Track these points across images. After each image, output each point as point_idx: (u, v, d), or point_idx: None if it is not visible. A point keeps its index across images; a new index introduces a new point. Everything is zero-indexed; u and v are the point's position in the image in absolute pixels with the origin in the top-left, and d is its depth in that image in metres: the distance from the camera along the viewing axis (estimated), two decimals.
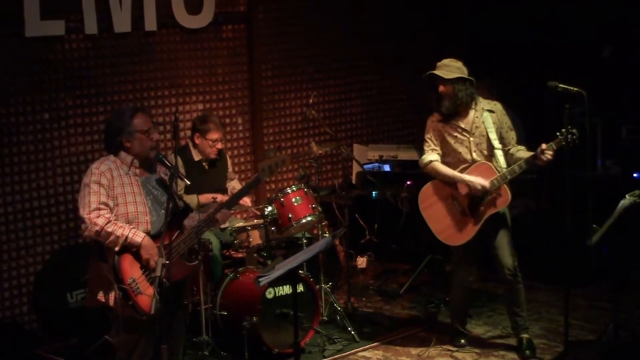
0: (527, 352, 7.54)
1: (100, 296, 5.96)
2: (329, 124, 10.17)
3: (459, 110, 7.50)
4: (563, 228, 6.96)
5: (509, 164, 7.40)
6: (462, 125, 7.51)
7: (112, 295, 5.94)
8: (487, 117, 7.50)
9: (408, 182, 9.53)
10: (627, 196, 7.22)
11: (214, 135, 8.32)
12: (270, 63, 9.95)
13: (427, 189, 7.59)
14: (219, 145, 8.39)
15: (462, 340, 7.84)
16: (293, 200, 8.12)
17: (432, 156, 7.54)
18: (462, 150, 7.50)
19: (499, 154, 7.46)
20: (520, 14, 11.08)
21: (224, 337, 7.79)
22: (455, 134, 7.51)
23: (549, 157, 7.16)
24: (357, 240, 9.74)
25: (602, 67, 10.51)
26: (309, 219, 8.15)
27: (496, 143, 7.47)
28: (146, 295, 5.89)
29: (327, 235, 8.33)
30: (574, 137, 7.11)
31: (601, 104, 9.37)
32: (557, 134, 7.17)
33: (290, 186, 8.30)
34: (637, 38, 10.40)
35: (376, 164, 10.28)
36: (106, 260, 5.93)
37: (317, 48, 10.33)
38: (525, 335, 7.63)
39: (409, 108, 11.23)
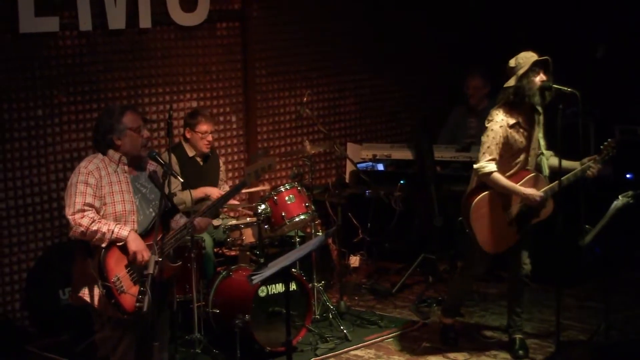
0: (521, 352, 7.54)
1: (84, 294, 5.96)
2: (322, 122, 10.17)
3: (530, 110, 7.29)
4: (555, 228, 6.97)
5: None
6: (529, 129, 7.29)
7: (95, 294, 5.93)
8: (538, 120, 7.38)
9: (401, 182, 9.54)
10: (619, 197, 7.24)
11: (203, 127, 8.34)
12: (265, 61, 9.95)
13: (482, 201, 7.25)
14: (210, 138, 8.40)
15: (454, 340, 7.85)
16: (286, 198, 8.12)
17: (492, 166, 7.16)
18: (522, 155, 7.30)
19: (544, 160, 7.37)
20: (514, 14, 11.09)
21: (216, 335, 7.79)
22: (522, 139, 7.26)
23: (595, 172, 7.20)
24: (350, 239, 9.74)
25: (595, 67, 10.52)
26: (302, 217, 8.15)
27: (543, 148, 7.38)
28: (129, 295, 5.88)
29: (320, 233, 8.33)
30: (615, 150, 7.19)
31: (594, 105, 9.38)
32: (601, 147, 7.19)
33: (283, 184, 8.30)
34: (631, 38, 10.41)
35: (370, 163, 10.29)
36: (92, 257, 5.92)
37: (311, 46, 10.33)
38: (519, 336, 7.63)
39: (402, 107, 11.24)
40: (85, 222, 5.85)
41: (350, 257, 9.90)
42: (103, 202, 5.95)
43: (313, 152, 8.64)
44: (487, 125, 7.27)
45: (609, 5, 10.46)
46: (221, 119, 9.62)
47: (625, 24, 10.47)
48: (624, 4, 10.34)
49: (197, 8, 9.21)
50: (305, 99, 9.02)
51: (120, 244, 5.91)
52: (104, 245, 5.88)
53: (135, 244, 5.92)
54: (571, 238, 7.13)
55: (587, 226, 7.10)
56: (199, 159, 8.47)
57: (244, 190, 8.95)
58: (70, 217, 5.89)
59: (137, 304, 5.71)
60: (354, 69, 10.77)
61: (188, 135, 8.40)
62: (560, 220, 6.93)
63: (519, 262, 7.47)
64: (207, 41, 9.46)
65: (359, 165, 9.96)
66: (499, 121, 7.21)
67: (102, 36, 8.67)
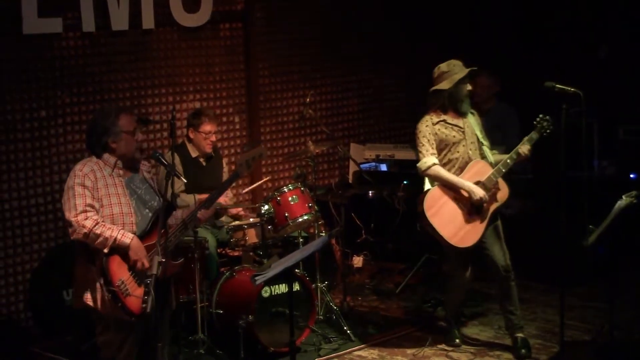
0: (523, 351, 7.54)
1: (87, 298, 5.95)
2: (325, 122, 10.18)
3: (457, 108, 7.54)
4: (559, 228, 6.97)
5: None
6: (459, 124, 7.51)
7: (99, 297, 5.92)
8: (470, 116, 7.59)
9: (404, 182, 9.54)
10: (623, 197, 7.22)
11: (207, 127, 8.35)
12: (267, 62, 9.95)
13: (432, 196, 7.41)
14: (213, 138, 8.41)
15: (457, 340, 7.84)
16: (289, 199, 8.11)
17: (432, 159, 7.41)
18: (460, 149, 7.48)
19: (487, 150, 7.55)
20: (518, 14, 11.09)
21: (219, 336, 7.79)
22: (454, 133, 7.48)
23: (526, 152, 7.42)
24: (353, 239, 9.74)
25: (598, 67, 10.52)
26: (305, 217, 8.14)
27: (483, 140, 7.56)
28: (134, 297, 5.87)
29: (323, 234, 8.33)
30: (549, 124, 7.39)
31: (598, 105, 9.37)
32: (534, 122, 7.42)
33: (286, 185, 8.30)
34: (633, 38, 10.41)
35: (373, 164, 10.29)
36: (94, 263, 5.91)
37: (314, 47, 10.33)
38: (520, 335, 7.62)
39: (405, 107, 11.23)
40: (89, 224, 5.83)
41: (354, 258, 9.90)
42: (100, 204, 5.94)
43: (316, 152, 8.63)
44: (415, 132, 7.55)
45: (611, 5, 10.46)
46: (224, 119, 9.62)
47: (628, 23, 10.46)
48: (627, 3, 10.34)
49: (200, 9, 9.21)
50: (308, 99, 9.01)
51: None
52: (105, 250, 5.86)
53: (136, 253, 5.91)
54: (575, 238, 7.12)
55: (590, 226, 7.09)
56: (201, 160, 8.47)
57: (248, 189, 8.96)
58: (73, 219, 5.86)
59: (143, 305, 5.71)
60: (357, 69, 10.77)
61: (191, 136, 8.41)
62: (563, 220, 6.93)
63: (494, 260, 7.52)
64: (210, 42, 9.47)
65: (362, 166, 9.96)
66: (424, 122, 7.53)
67: (105, 37, 8.67)
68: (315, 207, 8.29)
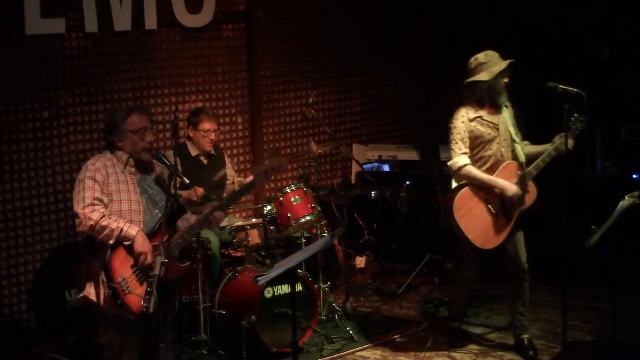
0: (531, 352, 7.53)
1: (90, 293, 5.96)
2: (328, 123, 10.17)
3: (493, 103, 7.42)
4: (561, 229, 6.96)
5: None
6: (494, 121, 7.38)
7: (101, 293, 5.93)
8: (504, 111, 7.46)
9: (407, 183, 9.54)
10: (626, 197, 7.22)
11: (206, 125, 8.35)
12: (270, 62, 9.95)
13: (463, 197, 7.30)
14: (212, 137, 8.40)
15: (460, 340, 7.84)
16: (292, 199, 8.12)
17: (464, 159, 7.27)
18: (493, 146, 7.37)
19: (518, 148, 7.43)
20: (520, 15, 11.08)
21: (222, 336, 7.79)
22: (489, 130, 7.35)
23: (570, 146, 7.24)
24: (356, 240, 9.74)
25: (601, 68, 10.51)
26: (307, 218, 8.15)
27: (515, 136, 7.45)
28: (135, 295, 5.88)
29: (325, 234, 8.33)
30: (583, 123, 7.22)
31: (600, 105, 9.38)
32: (569, 122, 7.22)
33: (289, 185, 8.30)
34: (636, 39, 10.41)
35: (375, 164, 10.29)
36: (98, 258, 5.93)
37: (316, 47, 10.33)
38: (526, 336, 7.62)
39: (408, 108, 11.24)
40: (95, 216, 5.85)
41: (356, 258, 9.90)
42: (110, 199, 5.97)
43: (319, 153, 8.63)
44: (449, 125, 7.38)
45: (613, 5, 10.46)
46: (227, 120, 9.63)
47: (631, 24, 10.45)
48: (628, 3, 10.34)
49: (202, 9, 9.22)
50: (310, 99, 9.02)
51: (127, 243, 5.91)
52: (111, 242, 5.87)
53: (141, 245, 5.91)
54: (577, 239, 7.12)
55: (593, 226, 7.09)
56: (202, 158, 8.47)
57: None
58: (80, 211, 5.88)
59: (144, 305, 5.70)
60: (359, 69, 10.77)
61: (191, 134, 8.42)
62: (565, 221, 6.93)
63: (514, 260, 7.50)
64: (212, 42, 9.47)
65: (364, 166, 9.96)
66: (460, 117, 7.35)
67: (107, 37, 8.68)
68: (318, 208, 8.29)
